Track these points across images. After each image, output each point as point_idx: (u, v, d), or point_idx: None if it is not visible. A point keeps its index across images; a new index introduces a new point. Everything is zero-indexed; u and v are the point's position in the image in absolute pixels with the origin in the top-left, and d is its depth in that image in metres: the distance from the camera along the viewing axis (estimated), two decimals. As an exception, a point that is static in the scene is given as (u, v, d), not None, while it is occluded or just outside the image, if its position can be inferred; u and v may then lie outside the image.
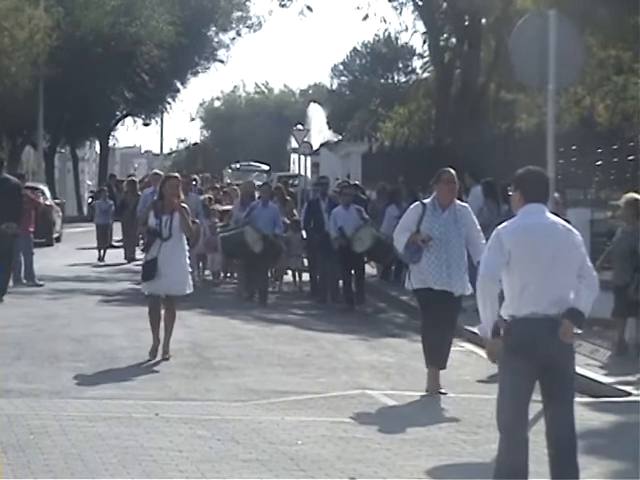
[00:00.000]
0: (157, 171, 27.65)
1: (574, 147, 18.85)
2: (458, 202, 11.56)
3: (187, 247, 13.39)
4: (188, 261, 13.74)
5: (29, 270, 20.45)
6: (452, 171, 11.38)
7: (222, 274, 22.49)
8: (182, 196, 13.50)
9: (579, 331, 6.82)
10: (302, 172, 34.61)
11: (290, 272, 21.86)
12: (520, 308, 6.52)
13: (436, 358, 11.05)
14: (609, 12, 18.96)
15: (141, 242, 18.47)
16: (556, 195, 13.26)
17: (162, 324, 13.12)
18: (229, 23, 54.11)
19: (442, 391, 10.97)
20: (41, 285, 20.44)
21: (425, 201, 11.57)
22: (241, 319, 17.12)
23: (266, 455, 8.42)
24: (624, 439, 9.33)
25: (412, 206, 11.76)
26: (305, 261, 21.22)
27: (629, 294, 13.31)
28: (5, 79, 37.87)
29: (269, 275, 20.26)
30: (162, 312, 13.15)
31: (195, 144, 71.84)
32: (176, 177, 14.60)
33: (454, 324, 11.35)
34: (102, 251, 26.84)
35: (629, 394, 11.60)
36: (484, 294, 6.68)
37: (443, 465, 8.08)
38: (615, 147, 18.35)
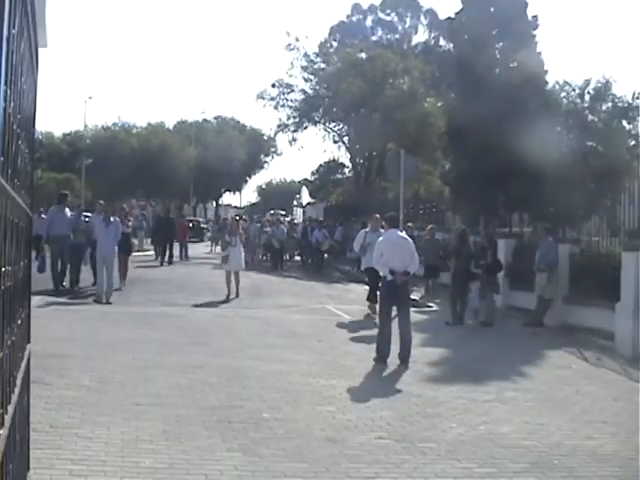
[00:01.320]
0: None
1: (411, 205, 34.29)
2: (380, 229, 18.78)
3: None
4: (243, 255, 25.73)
5: (186, 255, 38.62)
6: (377, 215, 20.40)
7: (262, 257, 40.96)
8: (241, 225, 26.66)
9: (408, 277, 14.18)
10: (301, 214, 67.98)
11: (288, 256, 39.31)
12: (392, 266, 13.92)
13: (373, 297, 19.73)
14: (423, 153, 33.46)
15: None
16: (410, 224, 25.95)
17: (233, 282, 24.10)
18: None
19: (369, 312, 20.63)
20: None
21: (366, 229, 21.05)
22: (271, 275, 32.20)
23: (282, 330, 17.43)
24: (429, 323, 19.20)
25: (362, 231, 21.66)
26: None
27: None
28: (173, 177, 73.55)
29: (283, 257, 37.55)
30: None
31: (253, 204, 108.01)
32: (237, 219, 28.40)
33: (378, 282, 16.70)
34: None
35: (431, 306, 23.21)
36: (379, 266, 14.28)
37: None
38: (427, 205, 32.55)
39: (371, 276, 19.36)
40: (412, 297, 22.76)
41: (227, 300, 23.30)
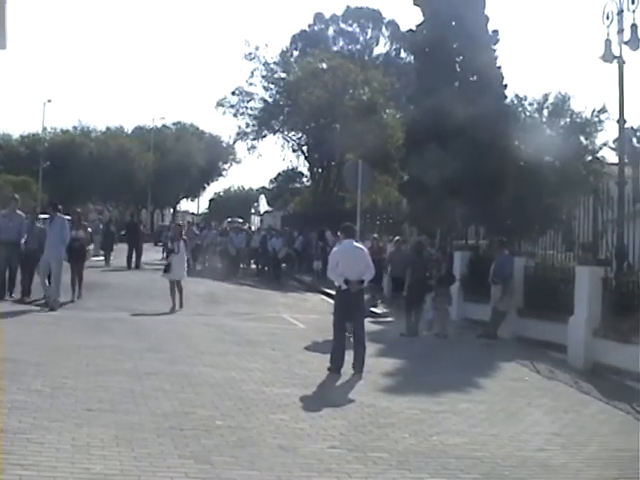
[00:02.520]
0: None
1: (369, 215, 35.27)
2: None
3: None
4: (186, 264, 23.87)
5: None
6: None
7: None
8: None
9: (362, 286, 14.19)
10: (259, 222, 68.84)
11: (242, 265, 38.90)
12: (347, 276, 13.95)
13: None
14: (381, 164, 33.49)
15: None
16: (376, 235, 26.04)
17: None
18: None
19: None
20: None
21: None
22: (227, 283, 31.66)
23: (237, 338, 17.48)
24: (385, 334, 19.25)
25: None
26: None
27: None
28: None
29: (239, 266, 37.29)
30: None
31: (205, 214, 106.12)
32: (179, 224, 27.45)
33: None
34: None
35: (387, 316, 23.27)
36: (334, 276, 14.22)
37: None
38: (384, 216, 33.76)
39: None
40: (376, 310, 23.07)
41: (172, 312, 21.92)
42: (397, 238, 25.53)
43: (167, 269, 23.11)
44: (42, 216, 23.94)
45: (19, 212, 22.18)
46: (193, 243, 37.54)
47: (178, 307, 22.32)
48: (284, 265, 38.55)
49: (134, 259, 37.07)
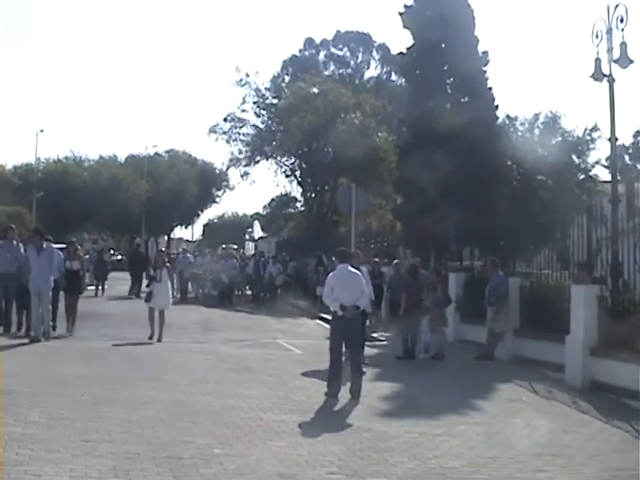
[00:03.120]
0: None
1: (363, 239, 35.16)
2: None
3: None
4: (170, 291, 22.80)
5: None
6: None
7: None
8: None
9: (358, 311, 14.16)
10: (253, 248, 70.57)
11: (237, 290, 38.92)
12: (342, 301, 13.94)
13: None
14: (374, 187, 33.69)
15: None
16: (377, 259, 25.24)
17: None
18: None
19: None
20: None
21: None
22: (222, 310, 31.94)
23: (234, 365, 17.32)
24: (381, 357, 19.24)
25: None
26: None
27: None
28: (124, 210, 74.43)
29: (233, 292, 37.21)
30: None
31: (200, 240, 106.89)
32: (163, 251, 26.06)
33: None
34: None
35: (383, 340, 23.19)
36: (330, 302, 14.24)
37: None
38: (379, 239, 33.39)
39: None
40: (373, 335, 22.96)
41: (150, 341, 20.95)
42: (396, 261, 25.40)
43: (148, 298, 21.97)
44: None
45: (15, 243, 21.28)
46: (189, 272, 37.46)
47: (156, 338, 21.19)
48: (279, 291, 38.37)
49: (138, 287, 36.31)
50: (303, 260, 41.35)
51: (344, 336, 14.37)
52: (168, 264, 23.16)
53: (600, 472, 9.79)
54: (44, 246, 19.96)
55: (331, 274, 15.03)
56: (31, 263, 19.80)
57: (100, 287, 37.26)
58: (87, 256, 30.22)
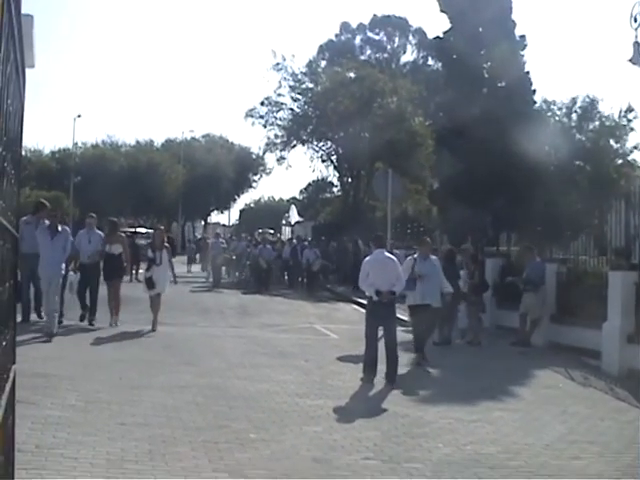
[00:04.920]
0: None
1: (399, 224, 34.78)
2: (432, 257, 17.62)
3: None
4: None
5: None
6: (427, 238, 19.26)
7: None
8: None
9: (394, 296, 14.21)
10: (290, 233, 73.01)
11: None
12: (378, 286, 14.04)
13: (421, 346, 16.72)
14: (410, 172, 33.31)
15: None
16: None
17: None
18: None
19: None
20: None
21: (414, 256, 17.49)
22: (261, 295, 31.88)
23: (269, 350, 17.39)
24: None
25: (409, 258, 17.56)
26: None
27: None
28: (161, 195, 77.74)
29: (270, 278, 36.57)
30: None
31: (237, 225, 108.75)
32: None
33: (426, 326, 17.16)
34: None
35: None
36: (365, 287, 14.29)
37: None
38: (415, 224, 32.99)
39: (418, 318, 16.97)
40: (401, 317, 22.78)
41: (153, 330, 19.41)
42: (450, 248, 24.51)
43: (150, 284, 19.82)
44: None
45: (97, 231, 20.59)
46: (221, 257, 37.40)
47: (151, 327, 19.49)
48: (320, 276, 38.22)
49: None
50: (342, 244, 41.37)
51: (380, 321, 14.36)
52: (167, 244, 20.61)
53: (637, 460, 9.69)
54: (59, 228, 17.76)
55: (366, 259, 15.03)
56: (41, 247, 17.48)
57: (134, 271, 37.36)
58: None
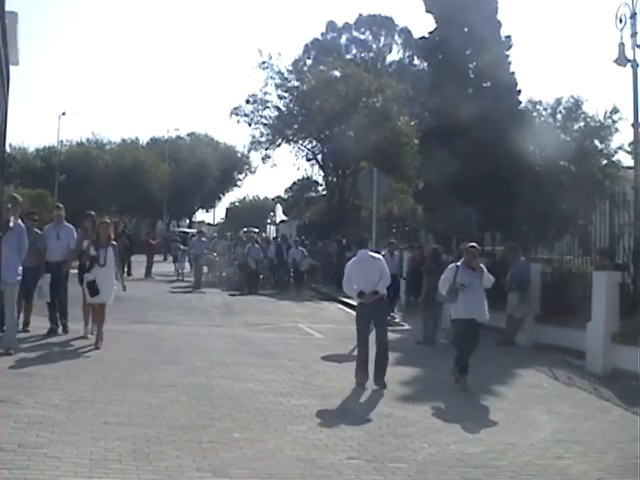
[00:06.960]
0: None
1: (384, 223, 35.19)
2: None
3: None
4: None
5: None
6: (472, 244, 15.65)
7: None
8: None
9: (377, 296, 13.82)
10: (274, 232, 74.07)
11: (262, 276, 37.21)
12: (362, 287, 13.82)
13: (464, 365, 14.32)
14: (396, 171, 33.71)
15: None
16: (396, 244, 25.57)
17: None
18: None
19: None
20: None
21: (457, 263, 15.21)
22: (245, 295, 31.42)
23: (254, 349, 17.33)
24: (402, 342, 18.56)
25: (451, 265, 15.25)
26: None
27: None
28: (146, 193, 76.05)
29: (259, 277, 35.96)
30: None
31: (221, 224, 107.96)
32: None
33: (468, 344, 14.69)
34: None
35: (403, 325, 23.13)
36: (348, 290, 14.33)
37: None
38: (400, 224, 33.78)
39: (461, 332, 14.86)
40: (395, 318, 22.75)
41: (85, 337, 17.18)
42: (435, 247, 24.13)
43: (93, 290, 16.34)
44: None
45: (67, 224, 18.32)
46: (204, 257, 36.87)
47: (93, 345, 16.20)
48: (305, 276, 38.00)
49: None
50: (325, 245, 41.38)
51: (370, 323, 14.22)
52: (114, 242, 17.04)
53: (620, 459, 9.75)
54: (10, 224, 14.27)
55: (348, 263, 14.92)
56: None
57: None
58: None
